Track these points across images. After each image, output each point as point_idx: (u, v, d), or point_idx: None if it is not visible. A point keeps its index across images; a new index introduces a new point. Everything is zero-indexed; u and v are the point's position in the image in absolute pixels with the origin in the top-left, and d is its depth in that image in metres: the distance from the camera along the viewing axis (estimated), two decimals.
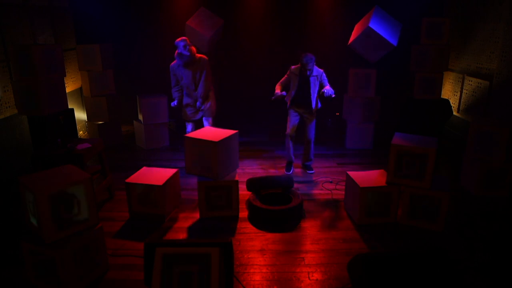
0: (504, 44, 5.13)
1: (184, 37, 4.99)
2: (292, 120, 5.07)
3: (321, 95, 4.77)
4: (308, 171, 5.26)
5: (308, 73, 4.75)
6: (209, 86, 5.25)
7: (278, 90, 4.86)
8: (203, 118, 5.40)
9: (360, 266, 2.70)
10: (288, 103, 5.00)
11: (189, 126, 5.42)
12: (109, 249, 3.43)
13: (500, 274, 3.12)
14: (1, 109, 4.66)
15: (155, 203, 3.93)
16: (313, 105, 4.93)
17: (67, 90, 5.96)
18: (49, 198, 2.74)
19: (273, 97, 4.81)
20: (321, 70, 4.90)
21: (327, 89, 4.71)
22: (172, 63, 5.13)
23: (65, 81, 4.99)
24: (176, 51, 4.97)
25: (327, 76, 4.93)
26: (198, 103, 5.22)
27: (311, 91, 4.86)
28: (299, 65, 4.84)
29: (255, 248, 3.52)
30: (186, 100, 5.28)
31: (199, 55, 5.09)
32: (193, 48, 5.01)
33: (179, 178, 4.36)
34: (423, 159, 3.61)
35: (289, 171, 5.24)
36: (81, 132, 6.69)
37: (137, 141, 6.49)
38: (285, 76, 4.95)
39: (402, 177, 3.74)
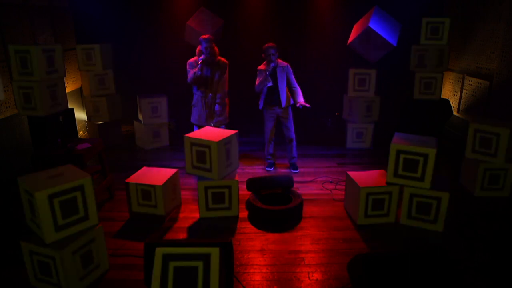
0: (504, 44, 5.13)
1: (209, 36, 4.85)
2: (269, 124, 5.12)
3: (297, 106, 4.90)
4: (293, 171, 5.24)
5: (272, 64, 4.76)
6: (225, 91, 5.12)
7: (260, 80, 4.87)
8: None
9: (360, 266, 2.70)
10: (262, 103, 5.00)
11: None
12: (109, 249, 3.42)
13: (500, 274, 3.12)
14: (1, 109, 4.66)
15: (155, 203, 3.93)
16: (283, 98, 4.93)
17: (67, 90, 5.96)
18: (49, 198, 2.74)
19: (268, 83, 4.81)
20: (287, 64, 4.95)
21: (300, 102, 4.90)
22: (190, 59, 4.97)
23: (65, 81, 4.98)
24: (199, 47, 4.89)
25: (293, 71, 5.01)
26: (216, 107, 5.06)
27: (278, 82, 4.89)
28: (264, 62, 4.91)
29: (255, 248, 3.52)
30: (199, 102, 5.09)
31: (219, 58, 4.98)
32: (216, 50, 4.91)
33: (179, 178, 4.36)
34: (423, 159, 3.61)
35: (271, 168, 5.29)
36: (81, 132, 6.69)
37: (137, 141, 6.49)
38: (257, 78, 4.94)
39: (402, 177, 3.74)
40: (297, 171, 5.26)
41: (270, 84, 4.83)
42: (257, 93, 5.03)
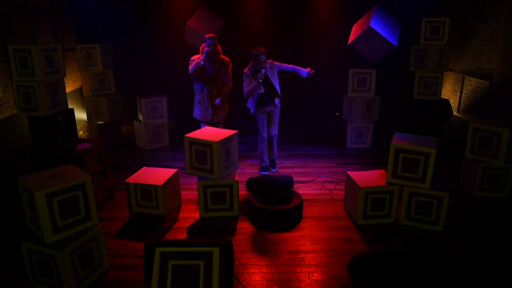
0: (504, 44, 5.13)
1: (213, 35, 4.97)
2: (263, 122, 5.02)
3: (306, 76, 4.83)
4: (272, 169, 5.23)
5: (263, 70, 4.64)
6: (229, 89, 5.28)
7: (251, 85, 4.74)
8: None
9: (360, 266, 2.70)
10: (253, 108, 4.92)
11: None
12: (109, 249, 3.43)
13: (500, 274, 3.12)
14: (1, 109, 4.66)
15: (155, 203, 3.93)
16: (279, 91, 4.90)
17: (67, 90, 5.95)
18: (48, 198, 2.74)
19: (260, 91, 4.73)
20: (270, 60, 4.86)
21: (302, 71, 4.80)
22: (194, 56, 5.06)
23: (65, 81, 4.98)
24: (203, 45, 4.93)
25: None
26: (217, 102, 5.16)
27: (273, 83, 4.82)
28: (250, 64, 4.81)
29: (255, 248, 3.52)
30: (205, 100, 5.18)
31: (223, 56, 5.08)
32: (219, 48, 5.02)
33: (179, 178, 4.36)
34: (423, 159, 3.62)
35: (266, 172, 5.19)
36: (81, 132, 6.69)
37: (137, 141, 6.49)
38: (245, 82, 4.82)
39: (402, 177, 3.74)
40: (276, 169, 5.24)
41: (262, 91, 4.74)
42: (245, 97, 4.94)
